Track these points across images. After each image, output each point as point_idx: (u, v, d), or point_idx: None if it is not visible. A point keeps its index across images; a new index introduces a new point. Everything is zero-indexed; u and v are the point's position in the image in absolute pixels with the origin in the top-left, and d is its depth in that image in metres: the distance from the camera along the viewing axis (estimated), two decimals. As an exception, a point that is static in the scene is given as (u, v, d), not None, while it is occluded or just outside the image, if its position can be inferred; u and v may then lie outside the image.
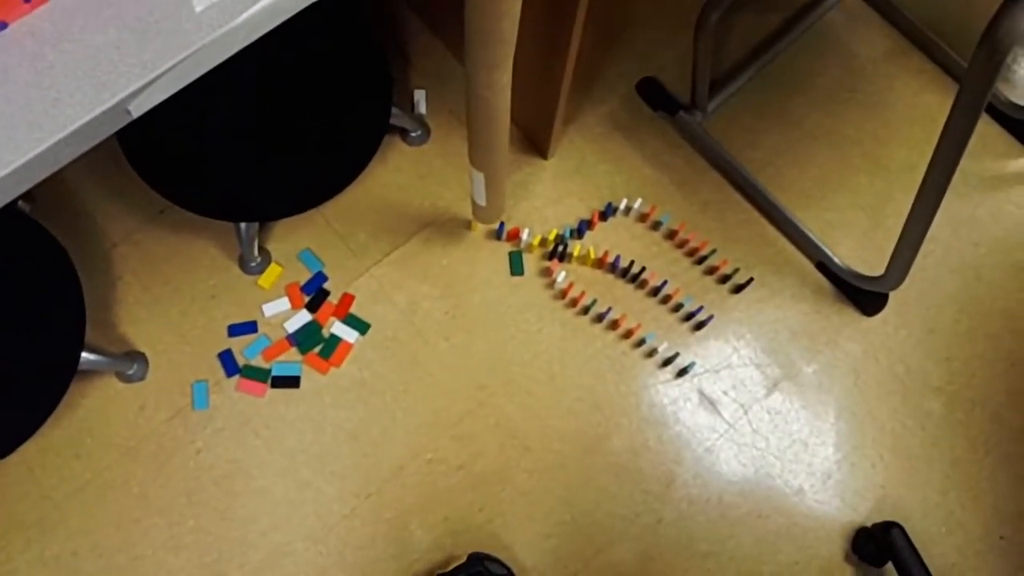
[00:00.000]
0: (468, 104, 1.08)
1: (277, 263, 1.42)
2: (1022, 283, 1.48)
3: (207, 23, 0.69)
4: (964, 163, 1.51)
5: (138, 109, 0.69)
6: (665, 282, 1.42)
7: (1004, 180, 1.54)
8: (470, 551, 1.29)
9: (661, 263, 1.46)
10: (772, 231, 1.49)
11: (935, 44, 1.59)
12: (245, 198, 1.27)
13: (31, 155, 0.65)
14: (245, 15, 0.70)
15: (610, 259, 1.42)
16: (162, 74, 0.68)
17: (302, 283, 1.41)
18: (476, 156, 1.20)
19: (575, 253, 1.43)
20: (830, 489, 1.37)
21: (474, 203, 1.33)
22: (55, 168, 0.68)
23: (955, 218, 1.51)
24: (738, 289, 1.45)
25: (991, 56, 0.93)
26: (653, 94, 1.54)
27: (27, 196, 1.41)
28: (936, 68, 1.59)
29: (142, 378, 1.35)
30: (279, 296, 1.40)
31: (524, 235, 1.42)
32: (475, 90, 1.03)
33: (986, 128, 1.56)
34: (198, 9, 0.69)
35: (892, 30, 1.62)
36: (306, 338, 1.38)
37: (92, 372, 1.35)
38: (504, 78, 1.01)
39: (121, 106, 0.68)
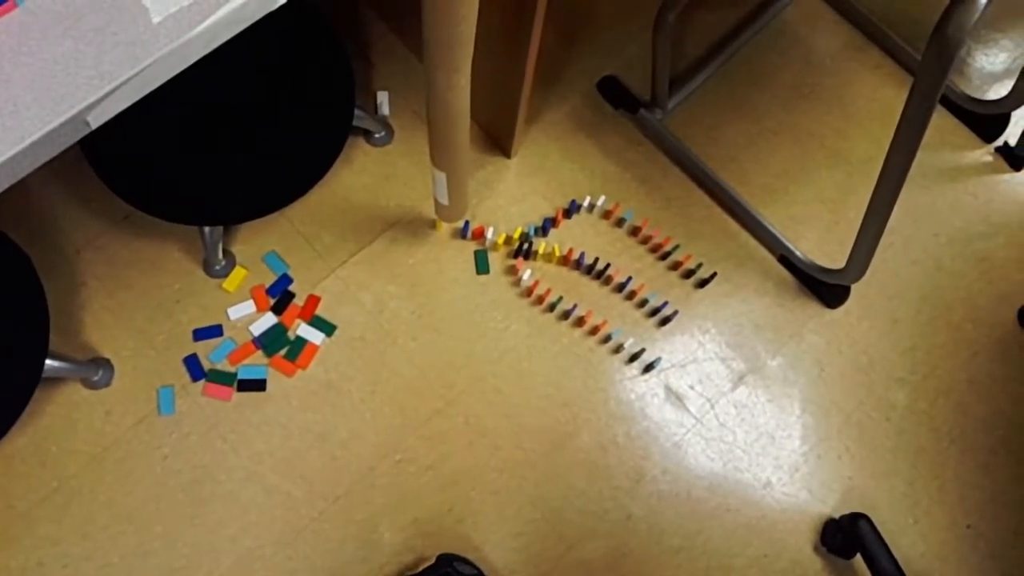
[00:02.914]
0: (428, 106, 1.08)
1: (242, 266, 1.42)
2: (982, 272, 1.50)
3: (164, 34, 0.69)
4: (922, 156, 1.55)
5: (97, 120, 0.70)
6: (630, 278, 1.43)
7: (962, 171, 1.56)
8: (440, 552, 1.29)
9: (625, 259, 1.47)
10: (734, 226, 1.50)
11: (890, 39, 1.61)
12: (208, 202, 1.27)
13: (-10, 167, 0.65)
14: (203, 26, 0.70)
15: (575, 256, 1.43)
16: (120, 85, 0.68)
17: (267, 286, 1.41)
18: (437, 156, 1.20)
19: (540, 251, 1.43)
20: (798, 481, 1.38)
21: (437, 202, 1.34)
22: (14, 180, 0.68)
23: (915, 210, 1.53)
24: (702, 284, 1.46)
25: (942, 51, 0.95)
26: (614, 92, 1.55)
27: (-12, 204, 1.41)
28: (892, 62, 1.62)
29: (107, 384, 1.35)
30: (244, 299, 1.40)
31: (489, 234, 1.43)
32: (435, 92, 1.04)
33: (943, 121, 1.59)
34: (155, 20, 0.69)
35: (848, 26, 1.64)
36: (272, 341, 1.38)
37: (57, 379, 1.34)
38: (463, 80, 1.02)
39: (80, 117, 0.68)
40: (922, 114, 1.05)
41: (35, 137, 0.66)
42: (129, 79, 0.68)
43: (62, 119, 0.66)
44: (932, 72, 0.99)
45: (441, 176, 1.24)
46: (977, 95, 1.59)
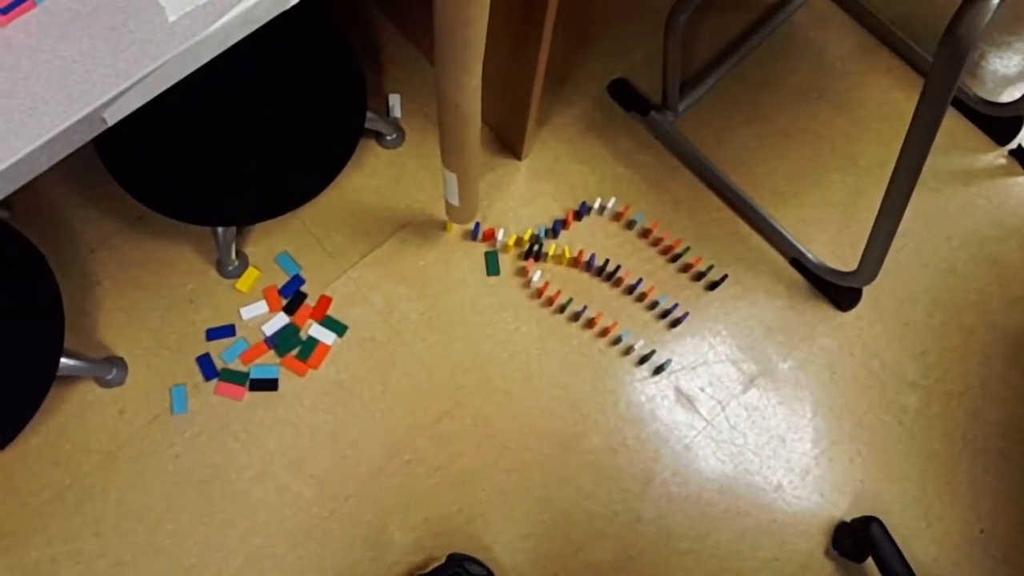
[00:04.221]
0: (439, 107, 1.09)
1: (254, 267, 1.43)
2: (995, 276, 1.49)
3: (180, 32, 0.71)
4: (934, 159, 1.54)
5: (113, 117, 0.71)
6: (640, 280, 1.43)
7: (974, 175, 1.56)
8: (449, 552, 1.30)
9: (636, 261, 1.47)
10: (745, 228, 1.50)
11: (902, 42, 1.61)
12: (222, 203, 1.28)
13: (7, 164, 0.66)
14: (218, 24, 0.71)
15: (585, 258, 1.43)
16: (136, 83, 0.70)
17: (279, 286, 1.42)
18: (448, 158, 1.21)
19: (550, 252, 1.44)
20: (809, 485, 1.37)
21: (448, 204, 1.35)
22: (31, 176, 0.69)
23: (927, 213, 1.53)
24: (712, 286, 1.46)
25: (953, 53, 0.95)
26: (625, 95, 1.55)
27: (5, 203, 1.42)
28: (904, 65, 1.61)
29: (121, 383, 1.36)
30: (257, 299, 1.41)
31: (499, 235, 1.43)
32: (445, 94, 1.05)
33: (955, 123, 1.59)
34: (171, 19, 0.71)
35: (860, 29, 1.64)
36: (284, 341, 1.39)
37: (71, 377, 1.35)
38: (474, 82, 1.03)
39: (96, 114, 0.69)
40: (934, 115, 1.04)
41: (53, 133, 0.67)
42: (145, 76, 0.70)
43: (79, 116, 0.68)
44: (944, 73, 0.98)
45: (452, 177, 1.24)
46: (990, 98, 1.59)
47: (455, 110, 1.07)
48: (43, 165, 0.69)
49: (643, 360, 1.41)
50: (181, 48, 0.70)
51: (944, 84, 1.00)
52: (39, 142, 0.67)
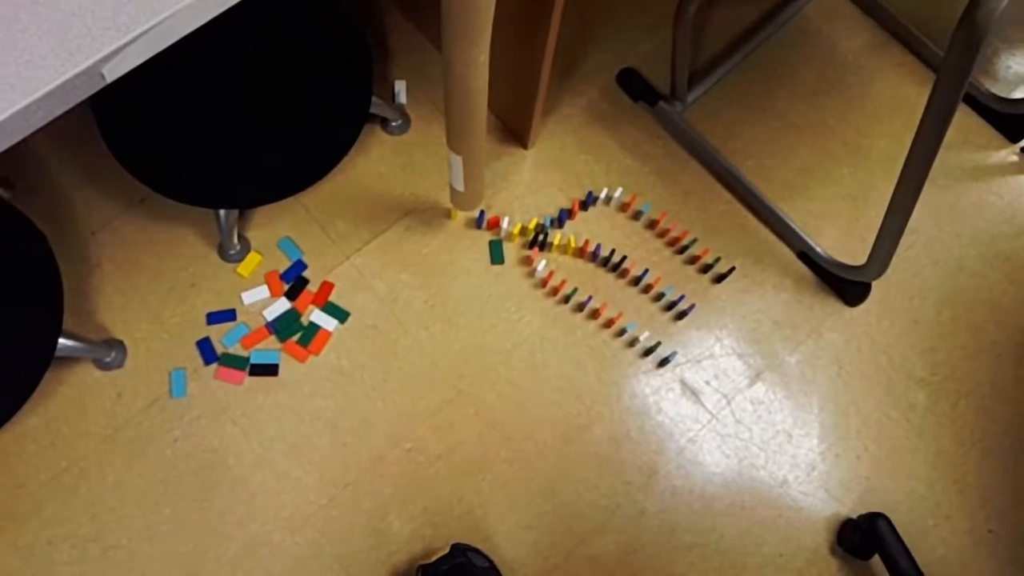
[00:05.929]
0: (445, 85, 1.08)
1: (257, 251, 1.42)
2: (1005, 273, 1.48)
3: (183, -13, 0.69)
4: (946, 155, 1.53)
5: (112, 73, 0.70)
6: (646, 271, 1.41)
7: (986, 171, 1.54)
8: (450, 542, 1.28)
9: (642, 252, 1.45)
10: (753, 221, 1.49)
11: (914, 37, 1.60)
12: (224, 185, 1.27)
13: (3, 117, 0.65)
14: (222, -21, 0.70)
15: (591, 248, 1.42)
16: (137, 37, 0.68)
17: (281, 271, 1.41)
18: (454, 139, 1.19)
19: (555, 242, 1.42)
20: (815, 480, 1.35)
21: (452, 188, 1.33)
22: (28, 131, 0.68)
23: (937, 209, 1.51)
24: (720, 279, 1.44)
25: (969, 40, 0.94)
26: (633, 85, 1.54)
27: (6, 183, 1.42)
28: (915, 60, 1.60)
29: (120, 365, 1.35)
30: (258, 284, 1.40)
31: (504, 224, 1.42)
32: (452, 69, 1.03)
33: (967, 120, 1.57)
34: (174, -26, 0.70)
35: (872, 23, 1.63)
36: (285, 326, 1.37)
37: (69, 359, 1.34)
38: (481, 56, 1.01)
39: (95, 69, 0.68)
40: (947, 105, 1.03)
41: (50, 87, 0.66)
42: (146, 32, 0.69)
43: (77, 70, 0.67)
44: (959, 59, 0.97)
45: (457, 160, 1.23)
46: (1003, 95, 1.57)
47: (462, 85, 1.06)
48: (40, 120, 0.68)
49: (648, 352, 1.40)
50: (184, 3, 0.69)
51: (958, 72, 0.98)
52: (35, 96, 0.65)
